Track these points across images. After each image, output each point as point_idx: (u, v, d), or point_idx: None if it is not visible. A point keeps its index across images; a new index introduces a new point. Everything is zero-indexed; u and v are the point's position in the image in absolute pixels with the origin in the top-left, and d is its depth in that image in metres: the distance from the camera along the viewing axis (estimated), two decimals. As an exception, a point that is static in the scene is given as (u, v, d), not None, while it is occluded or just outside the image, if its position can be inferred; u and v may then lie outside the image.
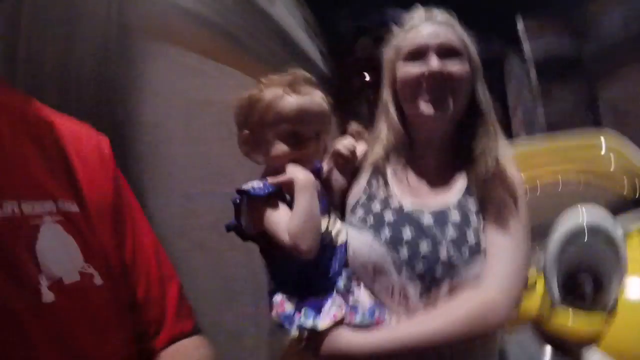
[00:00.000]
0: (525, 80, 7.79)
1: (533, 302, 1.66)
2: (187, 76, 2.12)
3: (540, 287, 1.62)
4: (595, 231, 1.46)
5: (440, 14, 1.13)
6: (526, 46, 7.54)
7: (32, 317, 0.48)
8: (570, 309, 1.51)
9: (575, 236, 1.47)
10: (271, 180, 1.03)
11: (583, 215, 1.48)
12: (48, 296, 0.49)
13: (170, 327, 0.69)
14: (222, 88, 2.36)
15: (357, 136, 1.21)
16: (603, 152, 2.66)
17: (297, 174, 1.02)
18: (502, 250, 1.01)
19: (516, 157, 2.57)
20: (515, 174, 1.10)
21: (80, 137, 0.67)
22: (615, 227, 1.45)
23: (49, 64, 1.48)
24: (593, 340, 1.48)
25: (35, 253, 0.50)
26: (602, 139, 2.76)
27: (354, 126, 1.28)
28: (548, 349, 1.57)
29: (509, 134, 8.14)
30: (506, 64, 8.66)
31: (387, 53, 1.16)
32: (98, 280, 0.57)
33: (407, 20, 1.16)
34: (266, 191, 1.01)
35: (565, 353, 1.54)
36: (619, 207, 1.94)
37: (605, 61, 6.89)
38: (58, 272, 0.52)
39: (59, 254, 0.53)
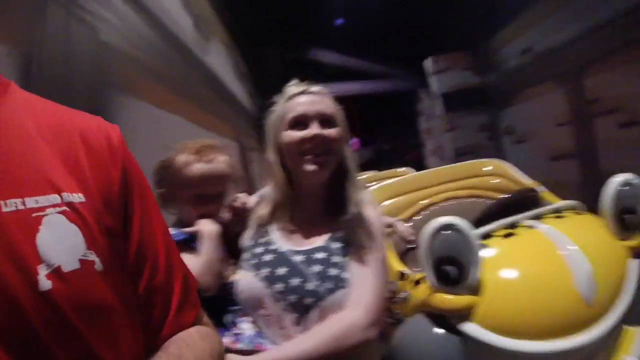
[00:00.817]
0: (435, 112, 8.29)
1: (422, 293, 1.92)
2: (147, 125, 2.37)
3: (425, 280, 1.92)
4: (451, 229, 1.80)
5: (314, 87, 1.28)
6: (434, 82, 8.05)
7: (31, 304, 0.50)
8: (444, 292, 1.81)
9: (438, 233, 1.80)
10: (184, 230, 1.22)
11: (442, 219, 1.83)
12: (45, 284, 0.51)
13: (175, 316, 0.69)
14: (174, 134, 2.69)
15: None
16: (489, 174, 3.17)
17: (203, 227, 1.20)
18: (362, 281, 1.13)
19: (418, 181, 3.07)
20: (373, 216, 1.25)
21: (89, 129, 0.67)
22: (466, 225, 1.81)
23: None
24: (465, 315, 1.77)
25: (36, 244, 0.52)
26: (489, 165, 3.26)
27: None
28: (436, 330, 1.84)
29: (422, 161, 8.79)
30: (418, 99, 9.26)
31: (270, 121, 1.28)
32: (99, 266, 0.57)
33: (287, 91, 1.29)
34: (178, 238, 1.18)
35: (449, 330, 1.81)
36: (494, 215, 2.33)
37: (504, 89, 7.49)
38: (57, 261, 0.53)
39: (59, 243, 0.54)
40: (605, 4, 4.94)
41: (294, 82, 1.31)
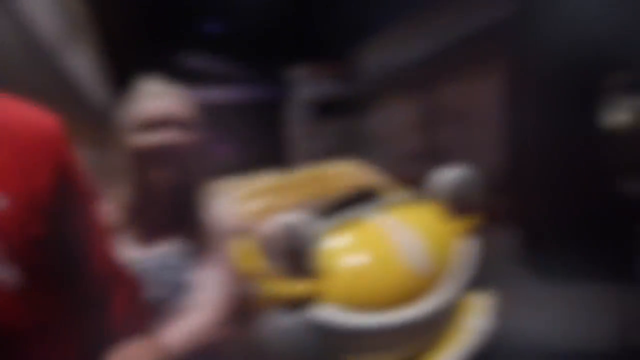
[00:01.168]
0: (300, 119, 8.66)
1: (274, 287, 2.06)
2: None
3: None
4: (292, 225, 2.02)
5: (165, 87, 1.19)
6: (299, 91, 8.45)
7: None
8: (292, 282, 2.00)
9: (281, 230, 2.01)
10: None
11: (283, 218, 2.05)
12: None
13: (119, 331, 0.65)
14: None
15: None
16: (344, 175, 3.46)
17: None
18: (210, 282, 1.17)
19: (278, 185, 3.30)
20: (218, 218, 1.27)
21: (20, 122, 0.58)
22: (306, 220, 2.03)
23: None
24: (313, 299, 1.94)
25: None
26: (340, 167, 3.56)
27: None
28: (291, 317, 1.98)
29: (289, 166, 9.02)
30: (284, 107, 9.44)
31: (120, 123, 1.18)
32: (17, 281, 0.51)
33: (136, 92, 1.19)
34: None
35: (301, 315, 1.94)
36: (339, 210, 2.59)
37: (365, 98, 8.14)
38: None
39: None
40: (451, 28, 5.69)
41: (146, 80, 1.22)
